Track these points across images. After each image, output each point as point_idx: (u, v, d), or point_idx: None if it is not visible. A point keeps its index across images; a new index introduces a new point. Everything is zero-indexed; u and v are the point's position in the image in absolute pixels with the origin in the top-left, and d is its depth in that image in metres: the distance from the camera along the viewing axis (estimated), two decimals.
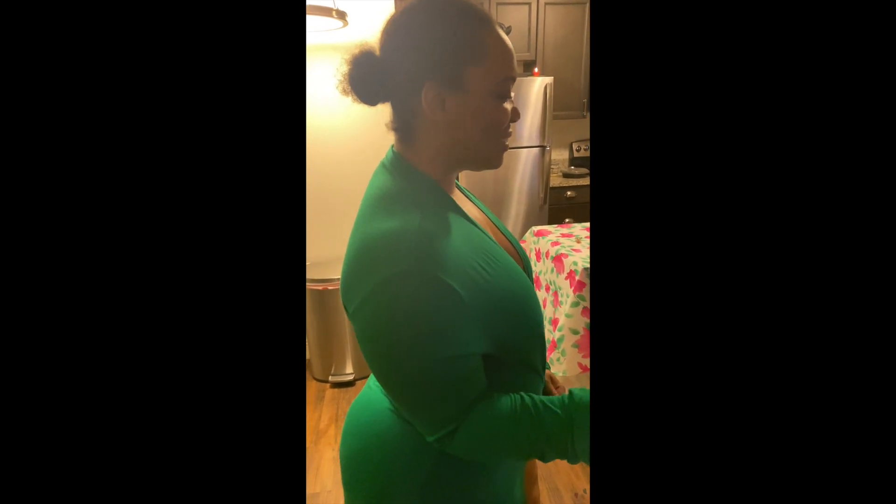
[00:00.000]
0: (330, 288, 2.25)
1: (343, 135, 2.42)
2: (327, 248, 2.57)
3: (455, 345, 0.53)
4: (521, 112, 2.75)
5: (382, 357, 0.55)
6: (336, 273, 2.30)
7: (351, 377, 2.38)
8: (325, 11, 1.71)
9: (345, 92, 0.60)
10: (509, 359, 0.60)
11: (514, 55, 0.59)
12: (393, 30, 0.58)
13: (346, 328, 2.33)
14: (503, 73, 0.58)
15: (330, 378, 2.38)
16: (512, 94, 0.62)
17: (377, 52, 0.60)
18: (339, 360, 2.38)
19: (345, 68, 0.59)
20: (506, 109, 0.59)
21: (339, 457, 0.74)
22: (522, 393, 0.60)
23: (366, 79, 0.59)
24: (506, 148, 0.62)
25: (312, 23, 1.81)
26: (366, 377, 2.44)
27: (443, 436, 0.57)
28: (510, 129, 0.62)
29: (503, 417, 0.57)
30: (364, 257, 0.54)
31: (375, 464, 0.65)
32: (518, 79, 2.61)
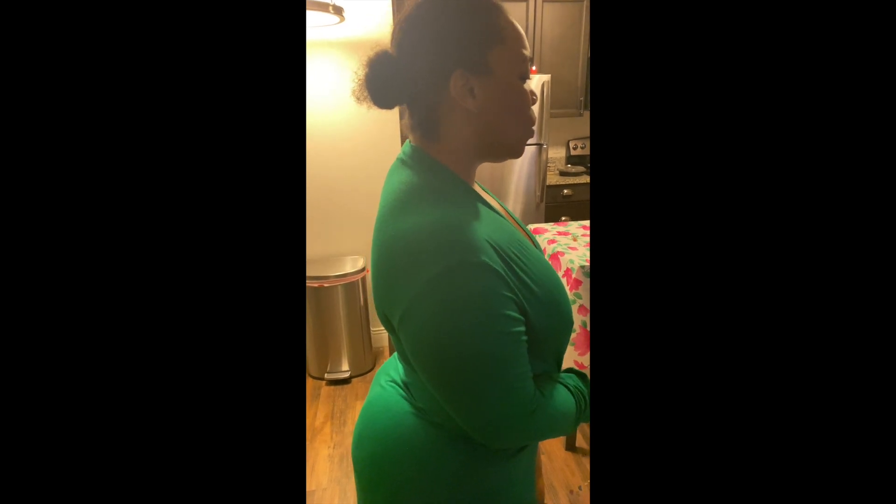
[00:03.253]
0: (326, 285, 2.24)
1: (338, 131, 2.41)
2: (323, 246, 2.56)
3: (510, 326, 0.53)
4: None
5: (439, 352, 0.52)
6: (332, 270, 2.29)
7: (347, 374, 2.37)
8: (321, 7, 1.70)
9: (360, 99, 0.59)
10: (543, 346, 0.60)
11: (524, 35, 0.61)
12: (408, 27, 0.58)
13: (342, 325, 2.33)
14: (521, 52, 0.59)
15: (326, 375, 2.37)
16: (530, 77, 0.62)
17: (393, 53, 0.59)
18: (335, 358, 2.38)
19: (361, 72, 0.58)
20: (528, 91, 0.60)
21: (352, 458, 0.73)
22: (561, 385, 0.63)
23: (384, 81, 0.58)
24: (531, 134, 0.63)
25: (309, 18, 1.80)
26: (361, 374, 2.44)
27: (495, 428, 0.55)
28: (533, 115, 0.62)
29: (564, 397, 0.62)
30: (404, 257, 0.53)
31: (400, 467, 0.65)
32: None
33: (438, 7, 0.57)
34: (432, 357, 0.53)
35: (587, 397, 0.67)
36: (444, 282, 0.50)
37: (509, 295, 0.53)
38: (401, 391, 0.69)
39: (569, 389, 0.64)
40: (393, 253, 0.54)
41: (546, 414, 0.58)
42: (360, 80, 0.58)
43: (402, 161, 0.62)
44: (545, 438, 0.62)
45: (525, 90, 0.60)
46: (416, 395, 0.66)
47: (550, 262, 1.81)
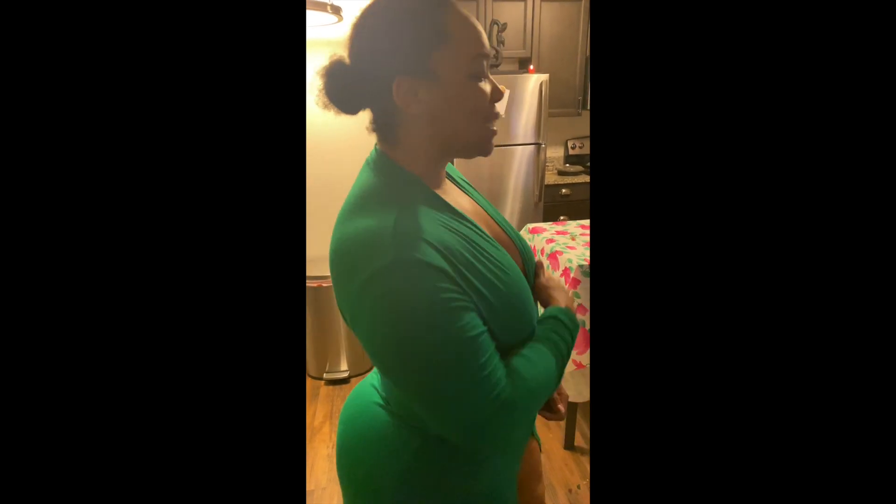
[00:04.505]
0: (324, 285, 2.24)
1: (335, 130, 2.40)
2: (321, 245, 2.56)
3: (461, 317, 0.51)
4: (516, 109, 2.73)
5: (388, 356, 0.52)
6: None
7: (346, 374, 2.37)
8: (319, 6, 1.70)
9: (325, 106, 0.60)
10: (501, 348, 0.57)
11: (482, 31, 0.58)
12: (356, 34, 0.58)
13: (340, 325, 2.32)
14: (472, 51, 0.56)
15: (324, 375, 2.37)
16: (505, 94, 0.61)
17: (347, 61, 0.59)
18: (334, 358, 2.38)
19: (320, 82, 0.58)
20: (482, 89, 0.58)
21: (336, 469, 0.75)
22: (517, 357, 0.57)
23: (341, 89, 0.58)
24: (493, 133, 0.61)
25: (307, 18, 1.80)
26: (361, 374, 2.44)
27: (469, 429, 0.52)
28: (495, 110, 0.60)
29: (538, 364, 0.56)
30: (343, 260, 0.53)
31: (359, 455, 0.66)
32: (513, 76, 2.60)
33: (383, 12, 0.56)
34: (383, 359, 0.53)
35: (569, 335, 0.63)
36: (378, 282, 0.49)
37: (452, 287, 0.51)
38: (377, 396, 0.69)
39: (543, 344, 0.60)
40: (338, 256, 0.54)
41: (521, 396, 0.54)
42: (319, 89, 0.59)
43: (367, 164, 0.63)
44: (532, 419, 0.58)
45: (478, 88, 0.57)
46: (388, 399, 0.67)
47: (549, 262, 1.81)
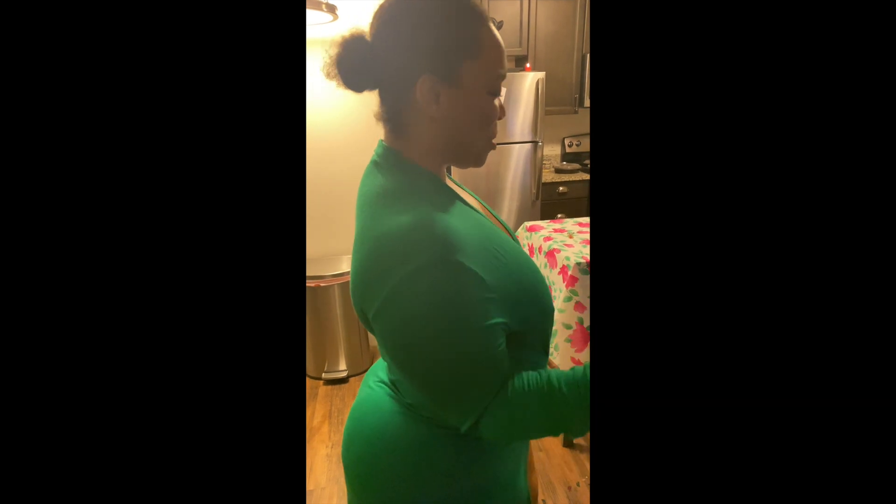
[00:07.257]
0: (322, 284, 2.24)
1: (334, 129, 2.40)
2: (319, 245, 2.56)
3: (483, 329, 0.53)
4: (513, 108, 2.73)
5: (413, 350, 0.54)
6: (328, 270, 2.29)
7: (344, 374, 2.37)
8: (315, 5, 1.69)
9: (329, 76, 0.59)
10: (528, 336, 0.61)
11: (505, 53, 0.60)
12: (387, 17, 0.57)
13: (339, 325, 2.32)
14: (496, 70, 0.58)
15: (323, 375, 2.37)
16: (502, 91, 0.63)
17: (368, 38, 0.58)
18: (332, 357, 2.37)
19: (334, 51, 0.58)
20: (495, 107, 0.60)
21: (342, 460, 0.74)
22: (542, 370, 0.59)
23: (355, 63, 0.57)
24: (492, 146, 0.63)
25: None
26: (359, 374, 2.44)
27: (475, 421, 0.56)
28: (495, 131, 0.63)
29: (532, 395, 0.56)
30: (383, 254, 0.53)
31: (391, 467, 0.65)
32: (510, 74, 2.60)
33: (421, 6, 0.56)
34: (404, 353, 0.55)
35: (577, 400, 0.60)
36: (417, 279, 0.51)
37: (485, 294, 0.53)
38: (388, 390, 0.69)
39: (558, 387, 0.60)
40: (372, 253, 0.55)
41: (528, 409, 0.56)
42: (331, 57, 0.58)
43: (375, 164, 0.63)
44: (532, 437, 0.61)
45: (493, 105, 0.60)
46: (404, 393, 0.67)
47: (546, 260, 1.81)
